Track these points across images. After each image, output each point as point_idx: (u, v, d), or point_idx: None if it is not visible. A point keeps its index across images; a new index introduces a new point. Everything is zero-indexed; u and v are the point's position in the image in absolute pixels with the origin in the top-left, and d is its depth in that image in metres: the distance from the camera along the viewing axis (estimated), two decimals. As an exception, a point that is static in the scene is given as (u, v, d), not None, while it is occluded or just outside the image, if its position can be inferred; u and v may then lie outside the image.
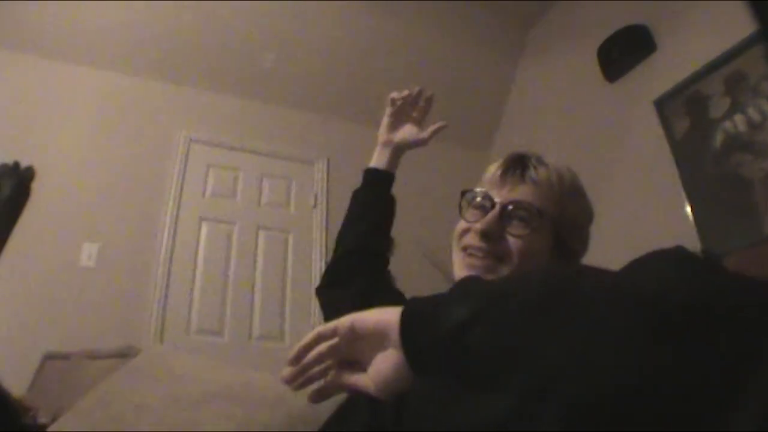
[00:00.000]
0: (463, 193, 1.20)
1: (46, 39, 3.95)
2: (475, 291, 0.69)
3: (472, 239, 1.12)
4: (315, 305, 4.03)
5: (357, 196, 1.55)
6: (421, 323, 0.70)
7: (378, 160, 1.56)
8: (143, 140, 4.09)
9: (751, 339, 0.50)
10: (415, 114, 1.56)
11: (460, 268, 1.13)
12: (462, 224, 1.16)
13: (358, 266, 1.44)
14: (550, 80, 4.56)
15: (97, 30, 4.01)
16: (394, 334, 0.72)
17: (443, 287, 1.33)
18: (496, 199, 1.12)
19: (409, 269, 3.29)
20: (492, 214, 1.10)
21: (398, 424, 0.91)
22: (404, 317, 0.72)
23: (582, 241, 1.20)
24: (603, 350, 0.53)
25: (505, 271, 1.08)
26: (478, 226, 1.10)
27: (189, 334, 3.70)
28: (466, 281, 0.74)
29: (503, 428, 0.78)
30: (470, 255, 1.11)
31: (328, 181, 4.52)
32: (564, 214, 1.13)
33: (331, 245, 4.17)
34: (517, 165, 1.16)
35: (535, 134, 4.45)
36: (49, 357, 2.83)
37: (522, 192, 1.12)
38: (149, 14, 4.07)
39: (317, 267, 4.18)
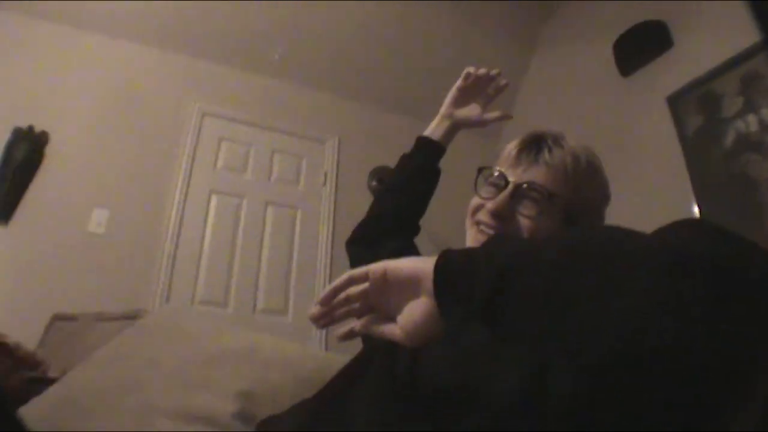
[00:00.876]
0: (480, 170, 1.22)
1: (64, 6, 3.97)
2: (509, 245, 0.70)
3: (484, 216, 1.13)
4: (319, 282, 4.07)
5: (404, 161, 1.54)
6: (456, 272, 0.71)
7: (434, 130, 1.55)
8: (157, 110, 4.11)
9: None
10: (482, 95, 1.54)
11: (471, 243, 1.15)
12: (476, 200, 1.18)
13: (390, 229, 1.46)
14: (563, 72, 4.56)
15: (116, -2, 4.03)
16: (428, 282, 0.73)
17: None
18: (510, 179, 1.13)
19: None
20: (504, 194, 1.12)
21: (412, 375, 0.94)
22: (439, 266, 0.73)
23: (596, 223, 1.20)
24: (639, 308, 0.53)
25: None
26: (491, 205, 1.12)
27: (194, 303, 3.74)
28: (498, 238, 0.75)
29: (533, 381, 0.81)
30: (481, 231, 1.13)
31: (338, 160, 4.55)
32: (577, 196, 1.14)
33: (339, 224, 4.24)
34: (533, 146, 1.18)
35: (546, 125, 4.45)
36: (57, 317, 2.87)
37: (535, 173, 1.13)
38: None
39: (324, 244, 4.22)
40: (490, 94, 1.53)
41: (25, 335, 2.51)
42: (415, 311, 0.77)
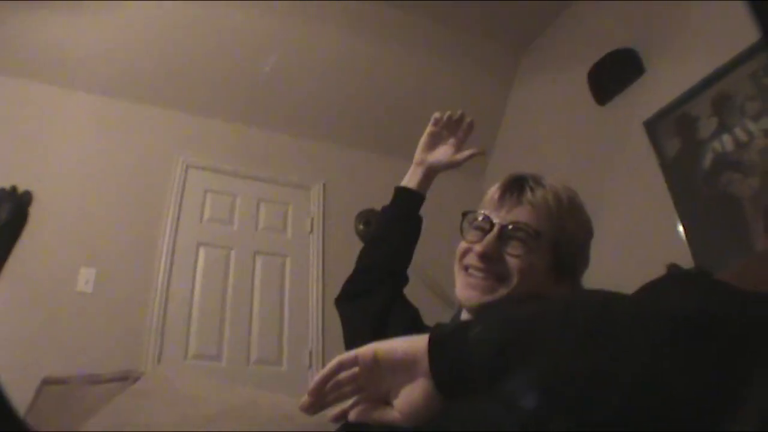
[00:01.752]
0: (464, 214, 1.24)
1: (43, 64, 3.98)
2: (502, 317, 0.72)
3: (472, 259, 1.16)
4: (312, 329, 4.05)
5: (385, 213, 1.56)
6: (452, 351, 0.71)
7: (410, 179, 1.57)
8: (140, 165, 4.11)
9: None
10: (453, 138, 1.57)
11: (461, 287, 1.17)
12: (463, 244, 1.20)
13: (378, 282, 1.46)
14: (542, 105, 4.62)
15: (94, 55, 4.05)
16: (424, 362, 0.73)
17: (441, 310, 1.37)
18: (495, 221, 1.16)
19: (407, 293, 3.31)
20: (491, 236, 1.15)
21: None
22: (433, 345, 0.73)
23: (582, 258, 1.23)
24: (634, 366, 0.56)
25: (504, 290, 1.12)
26: (478, 248, 1.14)
27: (187, 358, 3.70)
28: (490, 308, 0.76)
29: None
30: (471, 275, 1.15)
31: (324, 205, 4.55)
32: (563, 233, 1.17)
33: (328, 270, 4.22)
34: (515, 187, 1.20)
35: (529, 158, 4.50)
36: (46, 382, 2.82)
37: (519, 213, 1.16)
38: (146, 40, 4.12)
39: (314, 291, 4.20)
40: (459, 136, 1.56)
41: (14, 401, 2.47)
42: (413, 394, 0.75)
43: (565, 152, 4.05)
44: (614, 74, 3.74)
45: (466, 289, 1.15)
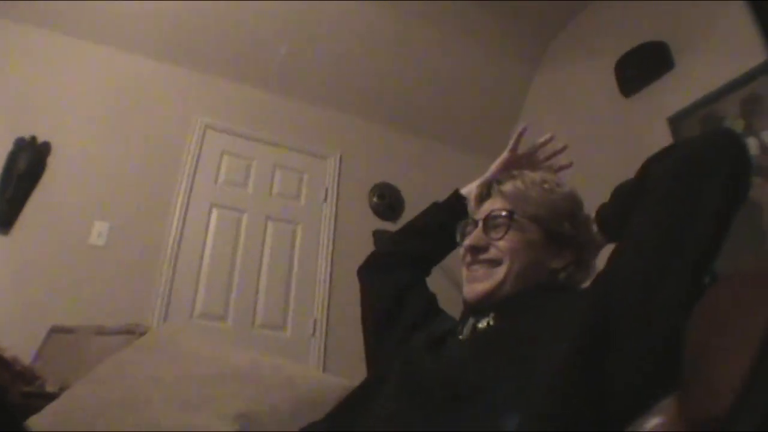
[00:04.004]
0: (458, 226, 1.36)
1: (69, 16, 3.97)
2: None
3: (467, 256, 1.26)
4: (318, 298, 4.07)
5: (436, 211, 1.59)
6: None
7: (470, 188, 1.57)
8: (160, 123, 4.11)
9: None
10: (531, 162, 1.59)
11: (464, 285, 1.26)
12: (461, 249, 1.31)
13: (405, 265, 1.51)
14: (566, 92, 4.57)
15: (121, 11, 4.03)
16: None
17: (455, 296, 1.38)
18: (476, 218, 1.30)
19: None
20: (476, 230, 1.26)
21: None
22: None
23: (575, 226, 1.27)
24: None
25: (501, 271, 1.20)
26: (466, 241, 1.27)
27: (193, 317, 3.73)
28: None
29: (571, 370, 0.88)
30: (470, 270, 1.25)
31: (339, 176, 4.55)
32: (541, 207, 1.26)
33: (339, 239, 4.24)
34: (486, 186, 1.35)
35: (548, 145, 4.46)
36: (55, 330, 2.86)
37: (492, 204, 1.29)
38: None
39: (324, 260, 4.22)
40: (538, 160, 1.60)
41: (23, 346, 2.50)
42: None
43: (585, 141, 4.00)
44: (643, 66, 3.69)
45: (468, 284, 1.24)
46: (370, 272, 1.55)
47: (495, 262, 1.21)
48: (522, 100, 5.00)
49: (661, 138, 3.43)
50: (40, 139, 3.67)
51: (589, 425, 0.85)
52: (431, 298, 1.47)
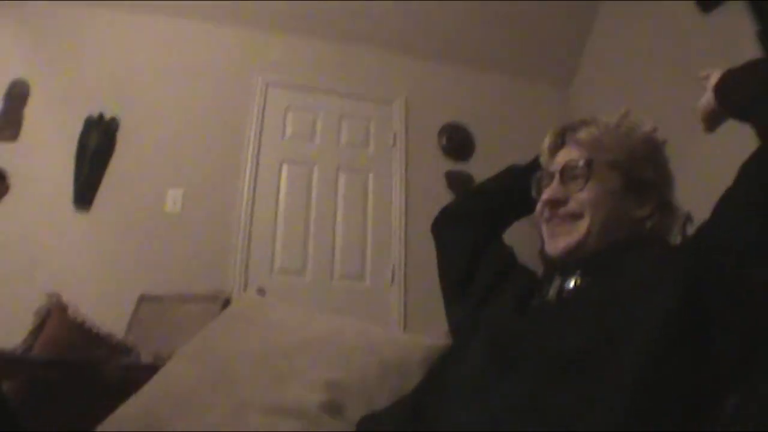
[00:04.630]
0: (532, 179, 1.31)
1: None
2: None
3: (545, 211, 1.21)
4: (395, 245, 4.07)
5: (511, 172, 1.52)
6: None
7: None
8: (221, 86, 4.13)
9: None
10: None
11: (547, 240, 1.21)
12: (539, 203, 1.24)
13: (477, 222, 1.47)
14: (637, 10, 4.32)
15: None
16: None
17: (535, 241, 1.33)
18: (551, 169, 1.24)
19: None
20: (554, 182, 1.21)
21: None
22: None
23: (657, 171, 1.23)
24: None
25: (583, 225, 1.15)
26: (544, 195, 1.21)
27: (272, 273, 3.79)
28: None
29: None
30: (551, 223, 1.20)
31: (406, 119, 4.47)
32: (620, 153, 1.20)
33: (410, 183, 4.21)
34: (558, 135, 1.28)
35: (619, 72, 4.26)
36: (143, 299, 2.96)
37: (568, 154, 1.22)
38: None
39: (397, 206, 4.19)
40: None
41: (114, 317, 2.60)
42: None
43: (661, 66, 3.80)
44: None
45: (550, 240, 1.19)
46: (442, 228, 1.52)
47: (576, 215, 1.15)
48: (590, 24, 4.76)
49: (749, 57, 3.20)
50: (107, 115, 3.74)
51: (690, 391, 0.82)
52: (509, 253, 1.42)
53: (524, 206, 1.40)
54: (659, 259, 1.02)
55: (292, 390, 1.22)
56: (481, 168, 4.08)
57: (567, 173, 1.19)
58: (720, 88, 1.15)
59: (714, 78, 1.18)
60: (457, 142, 4.48)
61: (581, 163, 1.17)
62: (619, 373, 0.82)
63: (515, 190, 1.42)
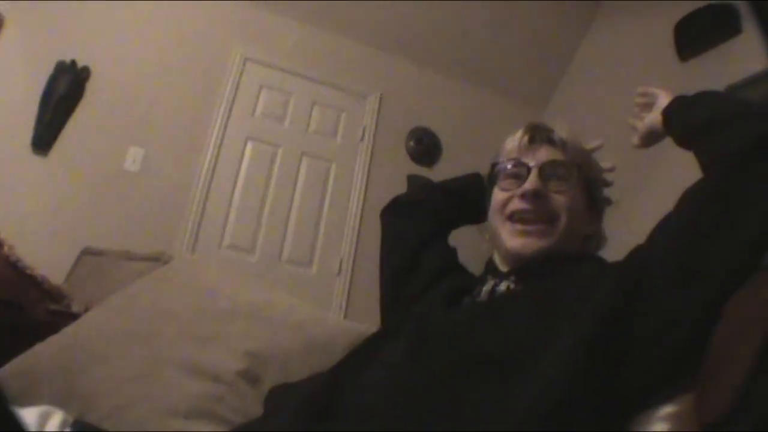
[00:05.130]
0: (493, 166, 1.23)
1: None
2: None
3: (517, 204, 1.14)
4: (347, 238, 4.08)
5: (475, 179, 1.45)
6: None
7: None
8: (199, 53, 4.10)
9: None
10: None
11: (511, 237, 1.14)
12: (501, 195, 1.18)
13: (427, 216, 1.43)
14: (619, 50, 4.40)
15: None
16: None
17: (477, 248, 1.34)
18: (531, 163, 1.15)
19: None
20: (533, 175, 1.13)
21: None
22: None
23: (602, 196, 1.26)
24: None
25: (556, 232, 1.11)
26: (527, 185, 1.13)
27: (221, 248, 3.79)
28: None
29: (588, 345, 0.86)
30: (519, 220, 1.14)
31: (378, 117, 4.49)
32: (590, 170, 1.21)
33: (373, 180, 4.22)
34: (541, 129, 1.21)
35: (594, 100, 4.34)
36: (86, 252, 2.92)
37: (553, 153, 1.17)
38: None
39: (355, 200, 4.22)
40: None
41: (54, 266, 2.56)
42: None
43: (632, 104, 3.88)
44: (705, 30, 3.49)
45: (518, 237, 1.13)
46: (392, 216, 1.49)
47: (551, 218, 1.12)
48: (571, 55, 4.84)
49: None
50: (80, 63, 3.69)
51: (601, 406, 0.83)
52: (451, 253, 1.39)
53: (477, 213, 1.37)
54: (593, 273, 1.03)
55: (212, 353, 1.23)
56: (444, 176, 4.07)
57: (548, 171, 1.14)
58: (669, 112, 1.17)
59: (664, 100, 1.20)
60: (425, 146, 4.52)
61: (569, 165, 1.15)
62: (537, 377, 0.83)
63: (473, 194, 1.39)
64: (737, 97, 1.26)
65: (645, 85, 1.32)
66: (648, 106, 1.27)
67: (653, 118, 1.23)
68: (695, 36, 3.57)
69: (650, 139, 1.27)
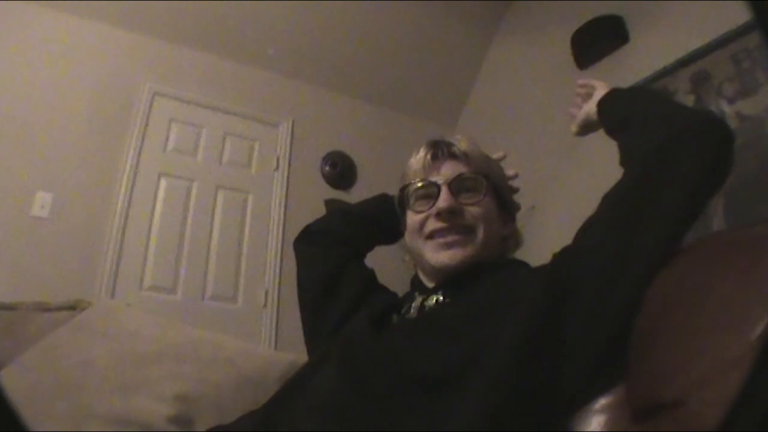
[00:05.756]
0: (402, 189, 1.25)
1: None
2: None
3: (435, 223, 1.16)
4: (270, 268, 4.03)
5: (383, 200, 1.45)
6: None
7: None
8: (106, 89, 3.96)
9: None
10: None
11: (435, 252, 1.15)
12: (416, 217, 1.20)
13: (338, 243, 1.43)
14: (521, 62, 4.55)
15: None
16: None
17: (398, 268, 1.34)
18: (439, 181, 1.17)
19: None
20: (444, 193, 1.15)
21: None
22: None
23: (511, 197, 1.30)
24: None
25: (476, 241, 1.13)
26: (441, 204, 1.14)
27: (142, 290, 3.66)
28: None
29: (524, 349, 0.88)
30: (440, 237, 1.15)
31: (291, 144, 4.47)
32: (495, 174, 1.24)
33: (290, 209, 4.18)
34: (441, 145, 1.23)
35: (502, 114, 4.47)
36: (-6, 307, 2.78)
37: (458, 166, 1.20)
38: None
39: (275, 230, 4.17)
40: None
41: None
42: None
43: (540, 112, 4.02)
44: (598, 40, 3.70)
45: (442, 251, 1.14)
46: (305, 245, 1.48)
47: (469, 230, 1.14)
48: (477, 70, 4.98)
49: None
50: (-24, 106, 3.52)
51: (538, 410, 0.85)
52: (369, 275, 1.40)
53: (389, 234, 1.39)
54: (520, 278, 1.05)
55: (140, 401, 1.18)
56: (362, 197, 4.12)
57: (457, 186, 1.17)
58: (601, 104, 1.22)
59: (600, 91, 1.25)
60: (340, 170, 4.53)
61: (477, 176, 1.18)
62: (476, 390, 0.83)
63: (383, 216, 1.39)
64: (665, 96, 1.32)
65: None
66: (588, 96, 1.30)
67: (589, 107, 1.27)
68: (590, 45, 3.77)
69: (586, 127, 1.31)
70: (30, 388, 1.20)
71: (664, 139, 0.96)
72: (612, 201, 0.99)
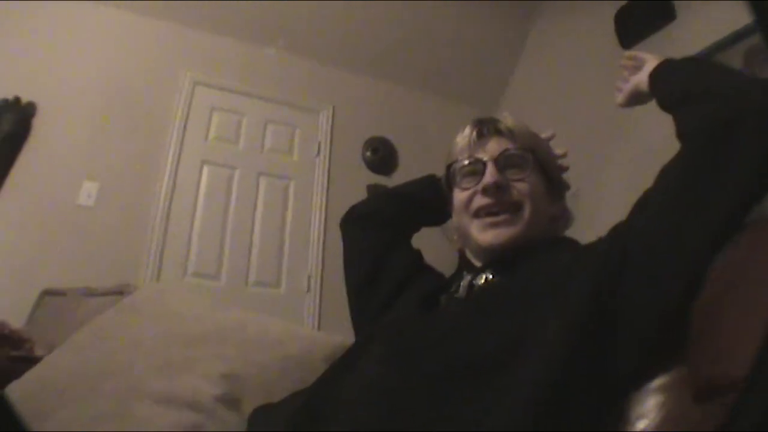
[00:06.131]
0: (448, 167, 1.24)
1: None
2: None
3: (481, 200, 1.14)
4: (313, 254, 4.04)
5: (429, 181, 1.44)
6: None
7: None
8: (148, 80, 4.02)
9: None
10: None
11: (482, 232, 1.14)
12: (463, 194, 1.19)
13: (385, 224, 1.42)
14: (563, 44, 4.47)
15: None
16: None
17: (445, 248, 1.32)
18: (485, 158, 1.16)
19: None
20: (490, 169, 1.14)
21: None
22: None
23: (561, 177, 1.28)
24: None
25: (523, 218, 1.11)
26: (486, 180, 1.13)
27: (186, 276, 3.71)
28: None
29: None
30: (487, 214, 1.13)
31: (332, 130, 4.48)
32: (542, 152, 1.22)
33: (332, 194, 4.20)
34: (487, 122, 1.22)
35: (544, 96, 4.39)
36: (46, 293, 2.84)
37: (503, 142, 1.18)
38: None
39: (317, 215, 4.19)
40: None
41: (14, 311, 2.48)
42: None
43: (582, 94, 3.94)
44: (643, 18, 3.61)
45: (489, 230, 1.13)
46: (351, 226, 1.48)
47: (515, 207, 1.12)
48: (518, 53, 4.90)
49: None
50: (25, 99, 3.59)
51: (590, 392, 0.83)
52: (416, 256, 1.39)
53: (437, 215, 1.37)
54: (571, 256, 1.02)
55: (187, 380, 1.18)
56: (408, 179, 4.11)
57: (503, 161, 1.15)
58: (655, 75, 1.17)
59: (652, 62, 1.19)
60: (381, 155, 4.51)
61: (523, 152, 1.16)
62: (526, 374, 0.81)
63: (430, 197, 1.38)
64: (725, 67, 1.25)
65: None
66: (636, 69, 1.25)
67: (640, 78, 1.22)
68: (634, 24, 3.68)
69: (634, 99, 1.27)
70: (78, 368, 1.21)
71: (732, 112, 0.91)
72: (672, 175, 0.94)
